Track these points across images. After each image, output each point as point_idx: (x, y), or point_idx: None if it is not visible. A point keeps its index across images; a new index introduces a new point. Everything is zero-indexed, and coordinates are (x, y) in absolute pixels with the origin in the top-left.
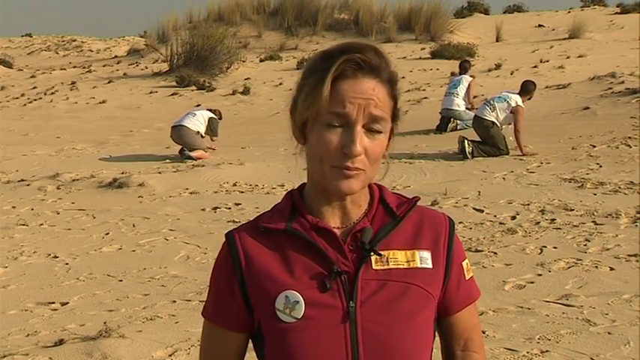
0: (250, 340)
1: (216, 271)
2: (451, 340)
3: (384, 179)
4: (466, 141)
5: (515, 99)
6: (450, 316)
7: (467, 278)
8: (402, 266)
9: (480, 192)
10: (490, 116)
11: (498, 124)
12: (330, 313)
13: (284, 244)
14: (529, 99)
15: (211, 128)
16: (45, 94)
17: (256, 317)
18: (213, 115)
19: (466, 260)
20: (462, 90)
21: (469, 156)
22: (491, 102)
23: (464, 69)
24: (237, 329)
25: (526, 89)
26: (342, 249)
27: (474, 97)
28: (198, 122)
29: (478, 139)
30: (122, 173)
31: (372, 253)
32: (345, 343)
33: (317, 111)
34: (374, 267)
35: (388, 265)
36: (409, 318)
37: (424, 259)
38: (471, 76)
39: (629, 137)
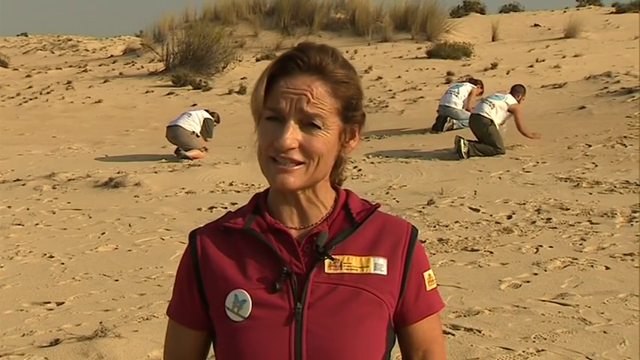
0: None
1: (178, 270)
2: (410, 351)
3: (381, 178)
4: (462, 140)
5: (511, 98)
6: (408, 326)
7: (428, 289)
8: (355, 271)
9: (476, 191)
10: (489, 114)
11: (496, 123)
12: (276, 313)
13: (241, 243)
14: (521, 99)
15: (206, 129)
16: (41, 93)
17: (210, 315)
18: (209, 116)
19: (429, 271)
20: (462, 91)
21: (465, 156)
22: (490, 100)
23: (472, 81)
24: (195, 327)
25: (516, 90)
26: (296, 251)
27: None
28: (193, 122)
29: (474, 138)
30: (118, 173)
31: (325, 257)
32: (288, 344)
33: (257, 107)
34: (326, 271)
35: (341, 269)
36: (357, 323)
37: (379, 265)
38: (480, 87)
39: (625, 136)
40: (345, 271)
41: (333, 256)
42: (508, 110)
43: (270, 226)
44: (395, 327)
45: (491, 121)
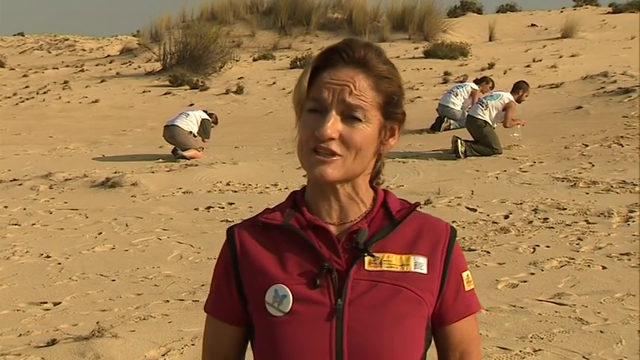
0: None
1: (217, 265)
2: (447, 351)
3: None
4: (459, 140)
5: (507, 96)
6: (446, 327)
7: (466, 290)
8: (395, 269)
9: (473, 191)
10: (483, 115)
11: (491, 124)
12: (316, 309)
13: (280, 239)
14: (523, 96)
15: (204, 129)
16: (37, 93)
17: (249, 310)
18: (206, 117)
19: (467, 272)
20: (462, 92)
21: (462, 155)
22: (484, 100)
23: (478, 81)
24: (234, 322)
25: (517, 87)
26: (336, 247)
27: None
28: (190, 122)
29: (471, 138)
30: (115, 173)
31: (365, 254)
32: (329, 340)
33: (300, 98)
34: (366, 268)
35: (381, 267)
36: (397, 321)
37: (419, 264)
38: (486, 84)
39: (622, 136)
40: (385, 269)
41: (374, 254)
42: (503, 109)
43: (310, 222)
44: (432, 327)
45: (485, 122)
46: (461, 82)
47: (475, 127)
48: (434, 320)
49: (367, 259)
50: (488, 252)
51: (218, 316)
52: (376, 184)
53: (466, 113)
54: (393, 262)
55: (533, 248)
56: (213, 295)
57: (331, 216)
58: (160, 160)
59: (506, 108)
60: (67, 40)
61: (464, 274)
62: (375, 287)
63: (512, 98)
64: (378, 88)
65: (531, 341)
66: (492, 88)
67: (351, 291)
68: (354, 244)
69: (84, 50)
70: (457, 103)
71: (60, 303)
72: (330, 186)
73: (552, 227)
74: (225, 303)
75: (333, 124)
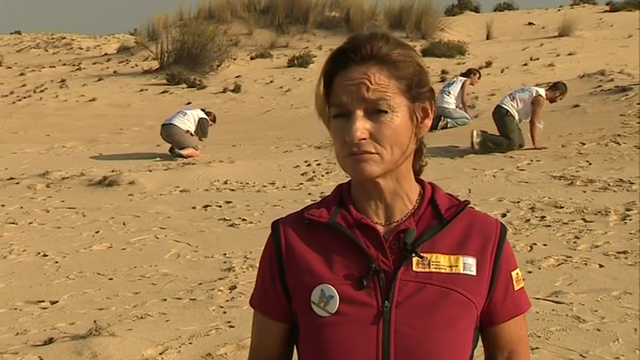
0: None
1: (261, 260)
2: (495, 351)
3: None
4: (475, 131)
5: (539, 90)
6: (495, 327)
7: (516, 289)
8: (443, 270)
9: (470, 189)
10: (509, 107)
11: (515, 116)
12: (363, 311)
13: (326, 237)
14: (557, 97)
15: (201, 129)
16: (34, 91)
17: (294, 308)
18: (204, 116)
19: (517, 270)
20: (454, 89)
21: (476, 146)
22: (514, 93)
23: (465, 74)
24: (278, 318)
25: (555, 86)
26: (384, 247)
27: (467, 94)
28: (188, 121)
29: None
30: (112, 171)
31: (413, 255)
32: (376, 343)
33: (321, 108)
34: (414, 269)
35: (429, 268)
36: (447, 325)
37: (468, 265)
38: (478, 77)
39: (619, 135)
40: (434, 270)
41: (422, 254)
42: (531, 102)
43: (357, 220)
44: (480, 326)
45: (507, 111)
46: (449, 80)
47: (499, 117)
48: (482, 319)
49: (415, 259)
50: None
51: (263, 312)
52: (419, 170)
53: (460, 111)
54: (441, 263)
55: (531, 246)
56: (259, 290)
57: (378, 215)
58: (158, 158)
59: (534, 102)
60: (64, 38)
61: (513, 273)
62: (423, 289)
63: (542, 93)
64: (396, 75)
65: (528, 339)
66: (479, 78)
67: (398, 293)
68: (402, 245)
69: (81, 49)
70: (451, 102)
71: (57, 302)
72: (373, 183)
73: (549, 225)
74: (270, 299)
75: (360, 125)
